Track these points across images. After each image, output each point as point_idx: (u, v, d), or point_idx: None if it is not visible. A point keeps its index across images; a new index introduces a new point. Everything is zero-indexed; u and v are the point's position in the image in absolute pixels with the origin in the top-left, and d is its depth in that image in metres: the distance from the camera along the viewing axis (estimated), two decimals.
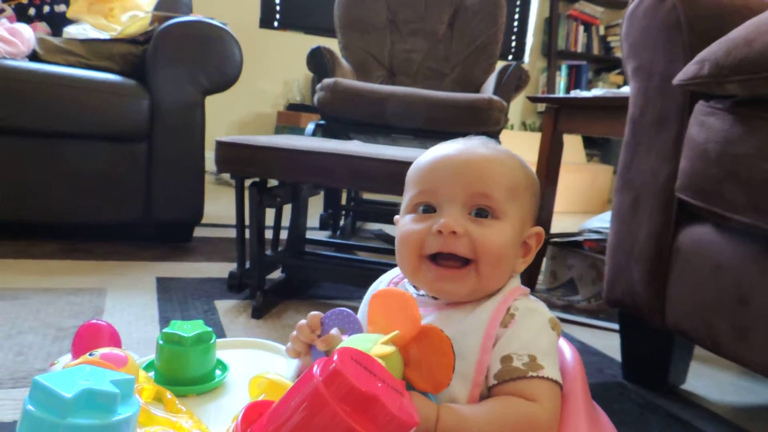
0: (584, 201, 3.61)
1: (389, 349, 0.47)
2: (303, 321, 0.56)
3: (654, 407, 1.04)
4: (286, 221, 1.53)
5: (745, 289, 0.84)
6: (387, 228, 2.39)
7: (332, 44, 2.24)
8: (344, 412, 0.31)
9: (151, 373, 0.52)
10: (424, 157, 0.60)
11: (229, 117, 3.60)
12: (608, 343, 1.32)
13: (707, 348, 0.94)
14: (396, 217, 0.61)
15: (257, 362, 0.55)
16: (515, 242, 0.57)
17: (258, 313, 1.27)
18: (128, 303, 1.29)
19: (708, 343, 0.92)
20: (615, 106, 1.39)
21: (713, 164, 0.86)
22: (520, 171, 0.60)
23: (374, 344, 0.46)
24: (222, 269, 1.60)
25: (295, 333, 0.56)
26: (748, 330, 0.83)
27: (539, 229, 0.60)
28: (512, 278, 0.59)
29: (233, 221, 1.39)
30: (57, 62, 1.74)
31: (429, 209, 0.57)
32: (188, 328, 0.52)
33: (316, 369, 0.33)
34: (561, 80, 4.31)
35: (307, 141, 1.39)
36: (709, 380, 1.18)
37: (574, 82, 4.29)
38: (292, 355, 0.55)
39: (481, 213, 0.55)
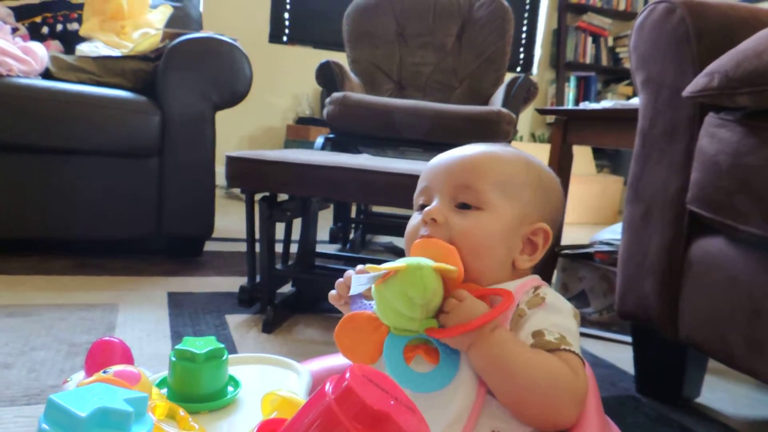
0: (595, 212, 3.60)
1: (450, 266, 0.52)
2: (351, 270, 0.59)
3: (668, 421, 1.03)
4: (296, 235, 1.54)
5: (758, 301, 0.83)
6: (397, 241, 2.39)
7: (341, 58, 2.25)
8: (356, 430, 0.31)
9: (164, 390, 0.53)
10: (433, 160, 0.64)
11: (239, 131, 3.63)
12: (621, 355, 1.31)
13: (721, 361, 0.93)
14: None
15: (269, 378, 0.55)
16: (505, 235, 0.58)
17: (269, 328, 1.27)
18: (140, 318, 1.30)
19: (722, 355, 0.91)
20: (624, 118, 1.39)
21: (724, 176, 0.86)
22: (521, 167, 0.61)
23: (433, 262, 0.51)
24: (232, 283, 1.60)
25: (341, 280, 0.61)
26: (762, 342, 0.82)
27: (543, 224, 0.60)
28: (526, 275, 0.61)
29: (243, 235, 1.39)
30: (69, 80, 1.76)
31: (426, 205, 0.60)
32: (200, 345, 0.52)
33: (328, 387, 0.33)
34: (570, 91, 4.31)
35: (317, 155, 1.40)
36: (724, 393, 1.16)
37: (583, 94, 4.28)
38: (334, 299, 0.61)
39: (465, 205, 0.58)
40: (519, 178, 0.60)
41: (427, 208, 0.59)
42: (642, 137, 1.07)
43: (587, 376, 0.53)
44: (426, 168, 0.64)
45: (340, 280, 0.61)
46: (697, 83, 0.90)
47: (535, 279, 0.60)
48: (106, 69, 1.81)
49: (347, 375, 0.33)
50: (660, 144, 1.02)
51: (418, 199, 0.63)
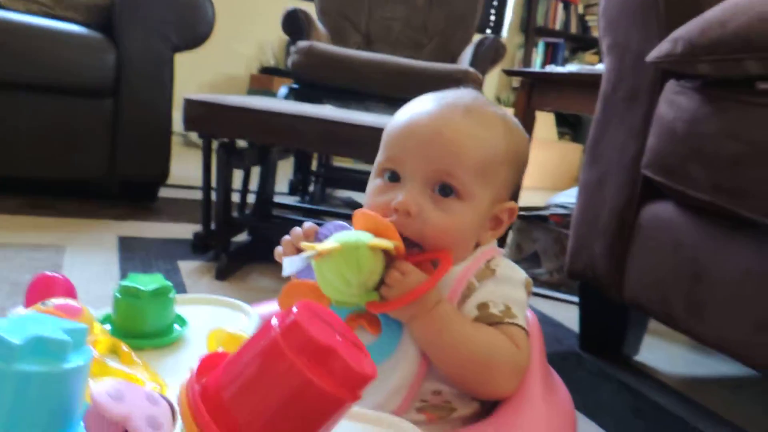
0: (553, 178, 3.65)
1: (388, 242, 0.49)
2: (299, 228, 0.56)
3: (608, 376, 1.07)
4: (254, 186, 1.51)
5: (701, 265, 0.86)
6: (356, 195, 2.38)
7: (309, 7, 2.19)
8: (301, 363, 0.31)
9: (107, 326, 0.51)
10: (399, 117, 0.56)
11: (199, 77, 3.51)
12: (567, 314, 1.35)
13: (662, 321, 0.97)
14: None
15: (218, 318, 0.54)
16: (479, 223, 0.55)
17: (222, 275, 1.25)
18: (88, 261, 1.26)
19: (663, 316, 0.95)
20: (589, 83, 1.39)
21: (680, 142, 0.87)
22: (500, 142, 0.55)
23: (371, 239, 0.48)
24: (187, 231, 1.57)
25: (288, 237, 0.56)
26: (701, 305, 0.86)
27: (513, 204, 0.58)
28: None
29: (200, 183, 1.36)
30: (18, 9, 1.66)
31: (394, 177, 0.54)
32: (146, 281, 0.51)
33: (274, 321, 0.33)
34: (537, 57, 4.31)
35: (279, 103, 1.37)
36: (661, 353, 1.22)
37: (550, 60, 4.29)
38: (280, 257, 0.55)
39: (445, 190, 0.53)
40: (498, 156, 0.55)
41: (400, 197, 0.52)
42: (603, 101, 1.08)
43: (529, 348, 0.54)
44: (394, 129, 0.56)
45: (287, 237, 0.56)
46: (660, 49, 0.90)
47: (491, 250, 0.58)
48: (58, 1, 1.71)
49: (294, 309, 0.33)
50: (620, 109, 1.03)
51: (385, 163, 0.55)
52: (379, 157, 0.57)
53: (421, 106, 0.56)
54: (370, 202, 0.56)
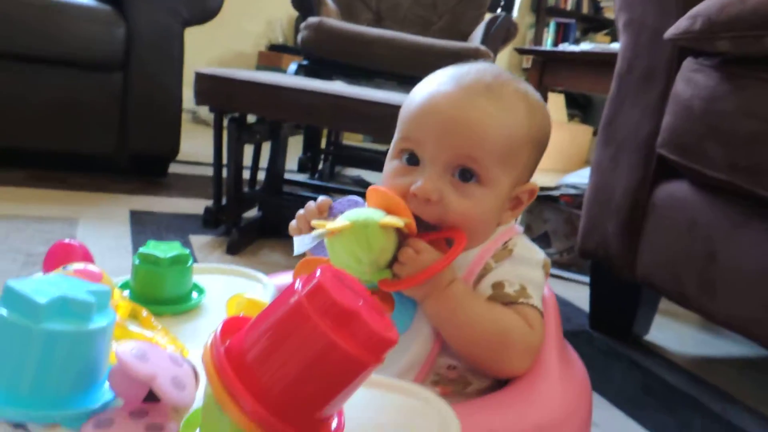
0: (562, 160, 3.63)
1: (398, 220, 0.48)
2: (313, 203, 0.55)
3: (617, 355, 1.07)
4: (264, 163, 1.51)
5: (715, 244, 0.86)
6: (366, 174, 2.37)
7: None
8: (325, 326, 0.31)
9: (126, 293, 0.52)
10: (418, 95, 0.54)
11: (207, 54, 3.49)
12: (577, 294, 1.35)
13: (674, 300, 0.97)
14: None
15: (235, 287, 0.55)
16: (500, 207, 0.54)
17: (233, 249, 1.26)
18: (101, 234, 1.27)
19: (675, 295, 0.95)
20: (602, 62, 1.38)
21: (697, 121, 0.86)
22: (523, 124, 0.53)
23: (383, 216, 0.48)
24: (197, 206, 1.58)
25: (302, 212, 0.56)
26: (714, 284, 0.86)
27: (533, 185, 0.56)
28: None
29: (210, 160, 1.36)
30: None
31: (413, 159, 0.53)
32: (165, 249, 0.51)
33: (297, 284, 0.33)
34: (548, 37, 4.26)
35: (290, 78, 1.36)
36: (671, 333, 1.22)
37: (561, 40, 4.24)
38: (294, 231, 0.55)
39: (466, 175, 0.51)
40: (521, 139, 0.53)
41: (420, 183, 0.50)
42: (619, 80, 1.07)
43: (543, 328, 0.53)
44: (412, 107, 0.53)
45: (301, 211, 0.56)
46: (679, 26, 0.89)
47: (509, 231, 0.57)
48: None
49: (318, 273, 0.33)
50: (636, 87, 1.02)
51: (403, 144, 0.53)
52: (397, 136, 0.55)
53: (442, 86, 0.53)
54: (387, 184, 0.54)
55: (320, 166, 2.22)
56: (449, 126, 0.51)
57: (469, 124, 0.51)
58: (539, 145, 0.56)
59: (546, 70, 1.68)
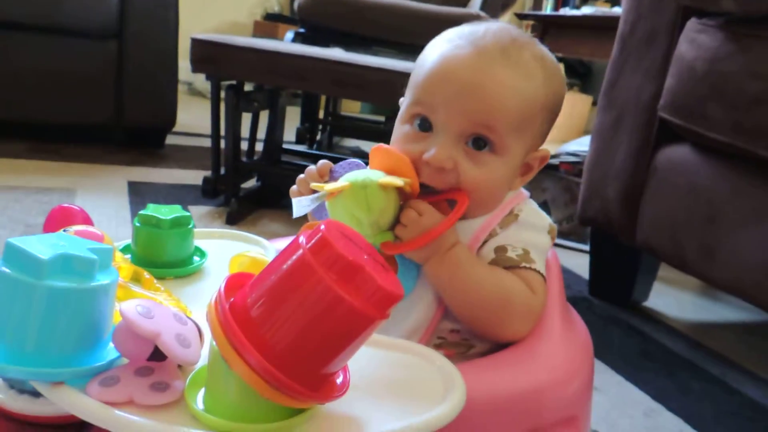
0: (562, 130, 3.61)
1: (399, 180, 0.47)
2: (313, 166, 0.55)
3: (617, 320, 1.08)
4: (261, 134, 1.50)
5: (716, 207, 0.86)
6: (363, 145, 2.36)
7: None
8: (331, 279, 0.31)
9: (128, 256, 0.51)
10: (430, 57, 0.52)
11: (202, 24, 3.42)
12: (576, 261, 1.36)
13: (674, 265, 0.97)
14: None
15: (236, 251, 0.54)
16: (512, 175, 0.53)
17: (233, 219, 1.26)
18: (99, 204, 1.26)
19: (675, 260, 0.95)
20: (604, 26, 1.36)
21: (699, 82, 0.85)
22: (540, 91, 0.51)
23: (382, 176, 0.47)
24: (196, 176, 1.57)
25: (302, 176, 0.55)
26: (714, 247, 0.86)
27: (545, 152, 0.55)
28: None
29: (207, 131, 1.35)
30: None
31: (425, 124, 0.51)
32: (166, 212, 0.51)
33: (302, 239, 0.33)
34: (548, 4, 4.19)
35: (288, 45, 1.34)
36: (670, 299, 1.23)
37: (561, 6, 4.18)
38: (295, 195, 0.54)
39: (479, 143, 0.50)
40: (537, 107, 0.51)
41: (433, 151, 0.49)
42: (621, 43, 1.06)
43: (546, 293, 0.53)
44: (425, 70, 0.51)
45: (302, 176, 0.55)
46: None
47: (516, 197, 0.55)
48: None
49: (322, 227, 0.33)
50: (638, 49, 1.01)
51: (414, 108, 0.52)
52: (408, 99, 0.53)
53: (458, 48, 0.50)
54: (399, 150, 0.52)
55: (318, 137, 2.21)
56: (465, 93, 0.49)
57: (486, 91, 0.49)
58: (553, 111, 0.55)
59: (546, 37, 1.66)
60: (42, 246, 0.34)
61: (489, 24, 0.53)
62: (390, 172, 0.49)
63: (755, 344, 1.11)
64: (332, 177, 0.55)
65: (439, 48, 0.52)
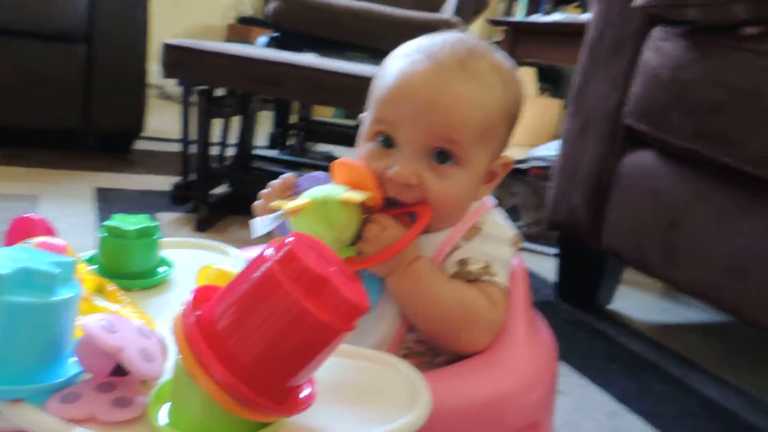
0: (532, 133, 3.64)
1: (361, 195, 0.47)
2: (277, 180, 0.54)
3: (583, 324, 1.10)
4: (233, 139, 1.49)
5: (678, 211, 0.88)
6: (336, 149, 2.36)
7: None
8: (297, 292, 0.31)
9: (95, 266, 0.51)
10: (389, 73, 0.52)
11: (173, 28, 3.38)
12: (543, 265, 1.38)
13: (638, 268, 0.99)
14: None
15: (203, 261, 0.54)
16: (477, 184, 0.54)
17: (202, 226, 1.24)
18: (64, 212, 1.24)
19: (639, 263, 0.97)
20: (573, 33, 1.39)
21: (663, 89, 0.88)
22: (499, 101, 0.52)
23: (343, 192, 0.47)
24: (164, 183, 1.55)
25: (266, 190, 0.55)
26: (676, 250, 0.88)
27: (508, 158, 0.56)
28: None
29: (176, 136, 1.33)
30: None
31: (388, 141, 0.51)
32: (132, 221, 0.50)
33: (269, 251, 0.33)
34: (519, 11, 4.25)
35: (261, 50, 1.34)
36: (634, 301, 1.25)
37: (532, 13, 4.23)
38: (259, 212, 0.54)
39: (443, 157, 0.50)
40: (497, 117, 0.52)
41: (397, 168, 0.49)
42: (589, 50, 1.08)
43: (506, 305, 0.53)
44: (384, 88, 0.51)
45: (265, 191, 0.55)
46: None
47: (480, 208, 0.56)
48: None
49: (288, 240, 0.33)
50: (606, 57, 1.03)
51: (377, 126, 0.52)
52: (370, 118, 0.53)
53: (415, 64, 0.51)
54: (359, 160, 0.53)
55: (290, 142, 2.20)
56: (425, 109, 0.49)
57: (446, 106, 0.49)
58: (513, 118, 0.56)
59: (518, 42, 1.68)
60: (2, 259, 0.34)
61: (446, 35, 0.53)
62: (353, 186, 0.49)
63: (714, 345, 1.14)
64: (297, 190, 0.55)
65: (397, 63, 0.52)
